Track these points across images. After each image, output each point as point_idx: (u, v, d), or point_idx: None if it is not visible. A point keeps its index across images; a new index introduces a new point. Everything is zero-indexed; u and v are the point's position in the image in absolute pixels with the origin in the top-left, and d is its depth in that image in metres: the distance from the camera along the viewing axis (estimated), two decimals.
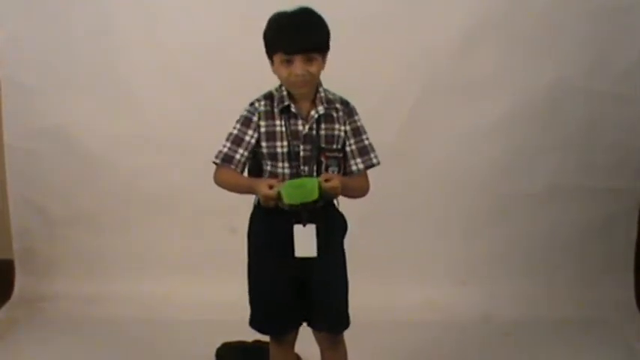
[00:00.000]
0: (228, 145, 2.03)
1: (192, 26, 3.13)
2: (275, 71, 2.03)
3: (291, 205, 1.93)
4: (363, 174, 2.09)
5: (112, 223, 3.32)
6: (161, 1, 3.17)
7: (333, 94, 2.11)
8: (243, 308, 3.22)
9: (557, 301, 3.24)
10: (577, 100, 3.20)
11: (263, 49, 3.08)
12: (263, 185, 1.92)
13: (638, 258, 3.37)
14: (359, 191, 2.10)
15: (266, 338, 2.76)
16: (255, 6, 3.09)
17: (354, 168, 2.07)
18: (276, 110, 2.03)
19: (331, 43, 2.35)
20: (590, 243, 3.33)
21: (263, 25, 3.06)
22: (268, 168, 2.05)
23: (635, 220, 3.32)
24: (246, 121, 2.03)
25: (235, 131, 2.04)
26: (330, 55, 2.36)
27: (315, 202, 1.90)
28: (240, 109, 3.18)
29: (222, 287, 3.25)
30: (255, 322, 2.24)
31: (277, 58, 1.99)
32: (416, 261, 3.23)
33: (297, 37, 1.95)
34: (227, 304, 3.20)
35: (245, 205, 3.32)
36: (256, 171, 2.10)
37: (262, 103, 2.05)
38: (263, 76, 3.15)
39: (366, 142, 2.08)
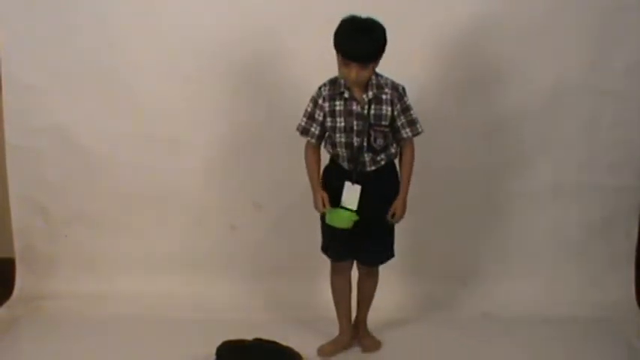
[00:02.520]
0: (305, 120, 2.58)
1: (193, 26, 3.12)
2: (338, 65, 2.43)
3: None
4: (408, 145, 2.59)
5: (112, 222, 3.32)
6: (162, 0, 3.16)
7: (385, 80, 2.52)
8: (243, 308, 3.25)
9: (558, 300, 3.24)
10: (578, 97, 3.19)
11: (263, 49, 3.14)
12: (319, 199, 2.55)
13: (639, 256, 3.36)
14: (410, 166, 2.59)
15: (266, 337, 2.79)
16: (256, 5, 3.12)
17: (404, 135, 2.55)
18: (337, 93, 2.50)
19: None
20: (591, 241, 3.31)
21: (263, 24, 3.11)
22: (332, 139, 2.55)
23: (637, 218, 3.31)
24: (315, 102, 2.55)
25: (309, 109, 2.57)
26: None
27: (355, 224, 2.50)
28: (240, 108, 3.24)
29: (222, 287, 3.27)
30: None
31: (338, 57, 2.41)
32: (415, 259, 3.23)
33: (355, 48, 2.35)
34: (227, 303, 3.22)
35: (245, 205, 3.35)
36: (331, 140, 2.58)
37: (327, 87, 2.53)
38: (263, 77, 3.20)
39: (414, 116, 2.55)
